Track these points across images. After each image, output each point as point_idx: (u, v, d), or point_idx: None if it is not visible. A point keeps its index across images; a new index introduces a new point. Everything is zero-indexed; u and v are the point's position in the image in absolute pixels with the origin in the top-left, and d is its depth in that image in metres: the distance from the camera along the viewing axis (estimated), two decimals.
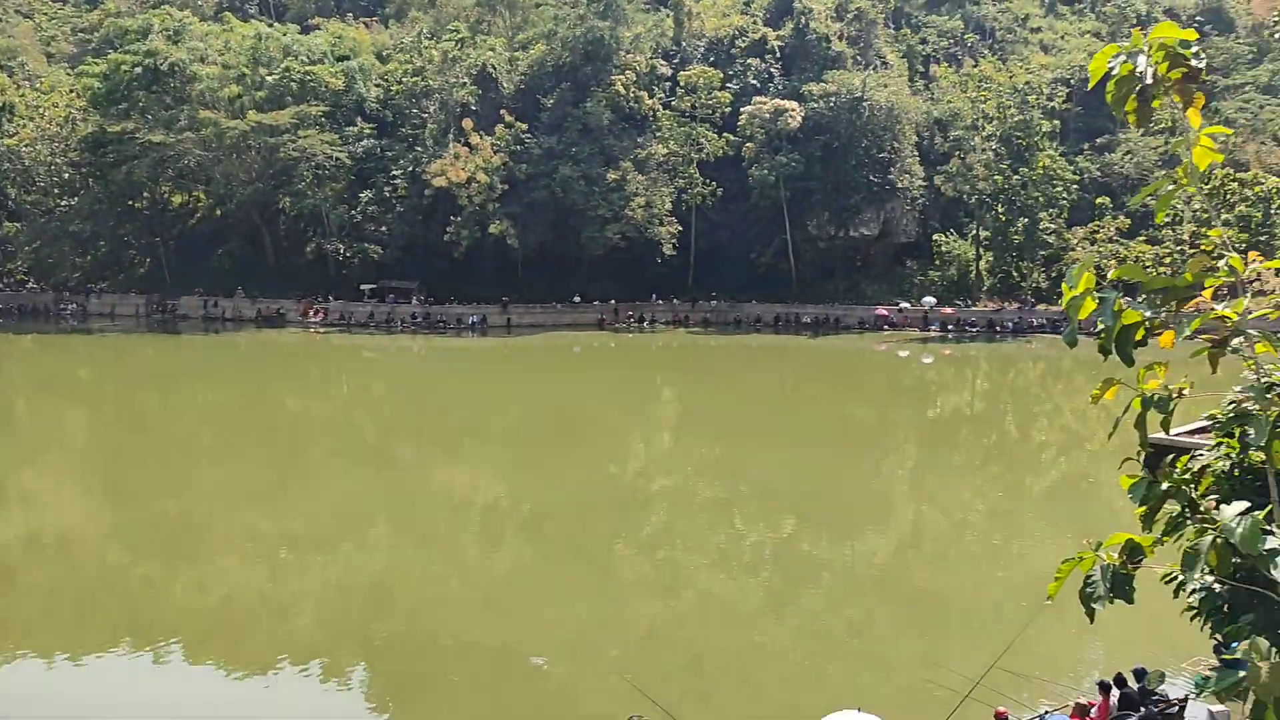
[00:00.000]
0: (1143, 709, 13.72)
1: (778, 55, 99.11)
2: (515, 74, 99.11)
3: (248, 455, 43.17)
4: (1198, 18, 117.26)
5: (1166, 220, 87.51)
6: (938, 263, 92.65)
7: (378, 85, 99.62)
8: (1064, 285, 8.85)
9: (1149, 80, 9.29)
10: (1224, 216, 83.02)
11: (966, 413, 59.74)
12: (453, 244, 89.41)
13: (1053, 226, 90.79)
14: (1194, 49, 9.25)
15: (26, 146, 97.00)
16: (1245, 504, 8.08)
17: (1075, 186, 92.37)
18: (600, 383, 66.86)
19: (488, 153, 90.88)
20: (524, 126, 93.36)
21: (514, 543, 31.60)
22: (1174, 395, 8.56)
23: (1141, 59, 9.32)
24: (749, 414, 55.18)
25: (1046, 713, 14.31)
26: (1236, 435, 8.66)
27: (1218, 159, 9.27)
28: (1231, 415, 8.92)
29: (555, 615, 24.20)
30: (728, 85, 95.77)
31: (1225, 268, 8.56)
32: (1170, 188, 9.31)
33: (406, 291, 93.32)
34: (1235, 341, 8.34)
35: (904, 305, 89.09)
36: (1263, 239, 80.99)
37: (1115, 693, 13.49)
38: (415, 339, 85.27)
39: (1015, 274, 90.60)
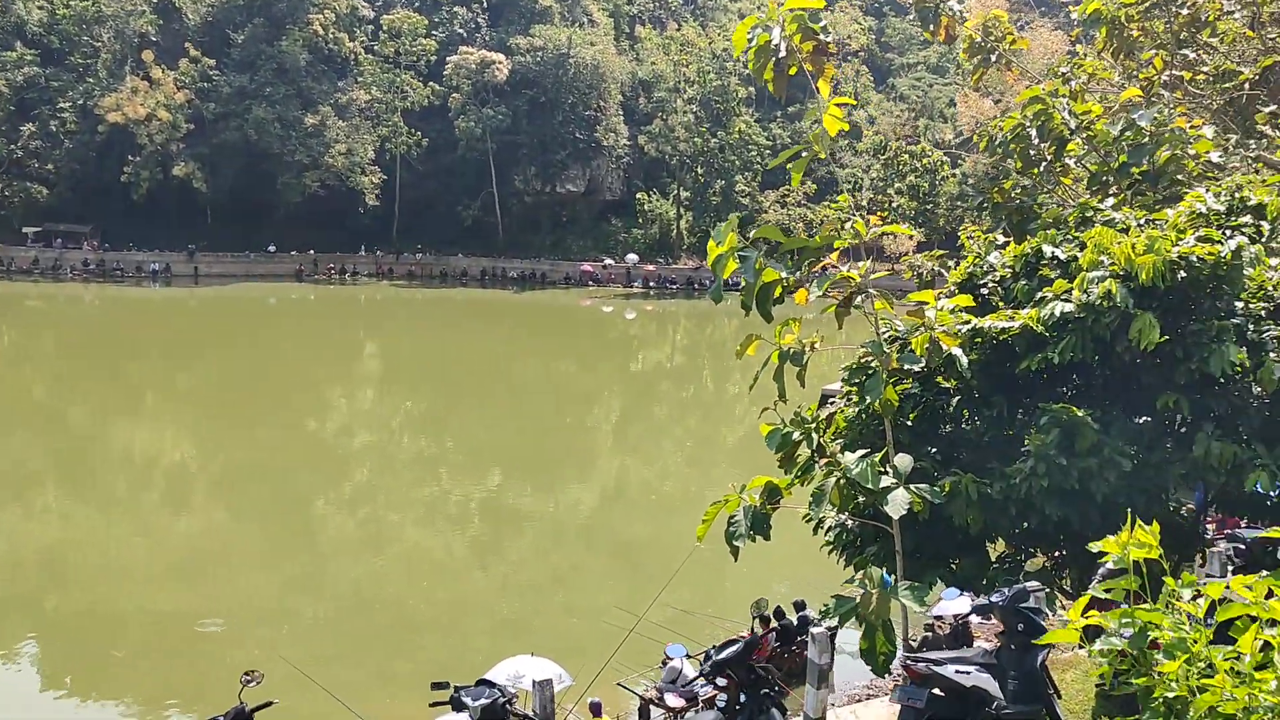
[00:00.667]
0: (799, 638, 14.86)
1: (484, 6, 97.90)
2: (201, 5, 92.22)
3: None
4: None
5: (848, 186, 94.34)
6: (641, 221, 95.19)
7: (41, 8, 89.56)
8: (710, 244, 9.39)
9: (783, 52, 9.94)
10: (896, 185, 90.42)
11: (667, 367, 62.00)
12: (131, 186, 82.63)
13: (748, 189, 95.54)
14: (823, 23, 9.97)
15: None
16: (867, 449, 8.97)
17: (768, 151, 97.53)
18: (298, 336, 64.15)
19: (171, 89, 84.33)
20: (211, 63, 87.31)
21: (205, 505, 29.87)
22: (807, 349, 9.33)
23: (776, 31, 9.94)
24: (455, 369, 54.75)
25: (714, 647, 15.25)
26: (860, 385, 9.55)
27: (844, 127, 10.07)
28: (856, 367, 9.85)
29: (251, 580, 23.14)
30: (433, 33, 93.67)
31: (851, 231, 9.43)
32: (804, 154, 10.05)
33: (77, 236, 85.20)
34: (859, 300, 9.22)
35: (608, 262, 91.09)
36: (929, 206, 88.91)
37: (775, 625, 14.56)
38: (88, 288, 78.25)
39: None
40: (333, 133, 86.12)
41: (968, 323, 9.27)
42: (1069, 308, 8.78)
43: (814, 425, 9.14)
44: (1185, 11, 12.91)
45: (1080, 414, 8.52)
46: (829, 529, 10.41)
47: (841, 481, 8.53)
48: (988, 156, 12.45)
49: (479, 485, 32.29)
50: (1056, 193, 12.24)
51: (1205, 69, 15.31)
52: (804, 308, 9.29)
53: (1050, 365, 8.96)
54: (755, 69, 9.62)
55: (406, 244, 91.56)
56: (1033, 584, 7.68)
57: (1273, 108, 16.74)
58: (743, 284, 9.05)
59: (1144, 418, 9.37)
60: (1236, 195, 9.58)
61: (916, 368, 8.68)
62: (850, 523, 10.17)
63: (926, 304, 8.80)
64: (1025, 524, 9.25)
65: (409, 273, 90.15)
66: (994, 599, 7.35)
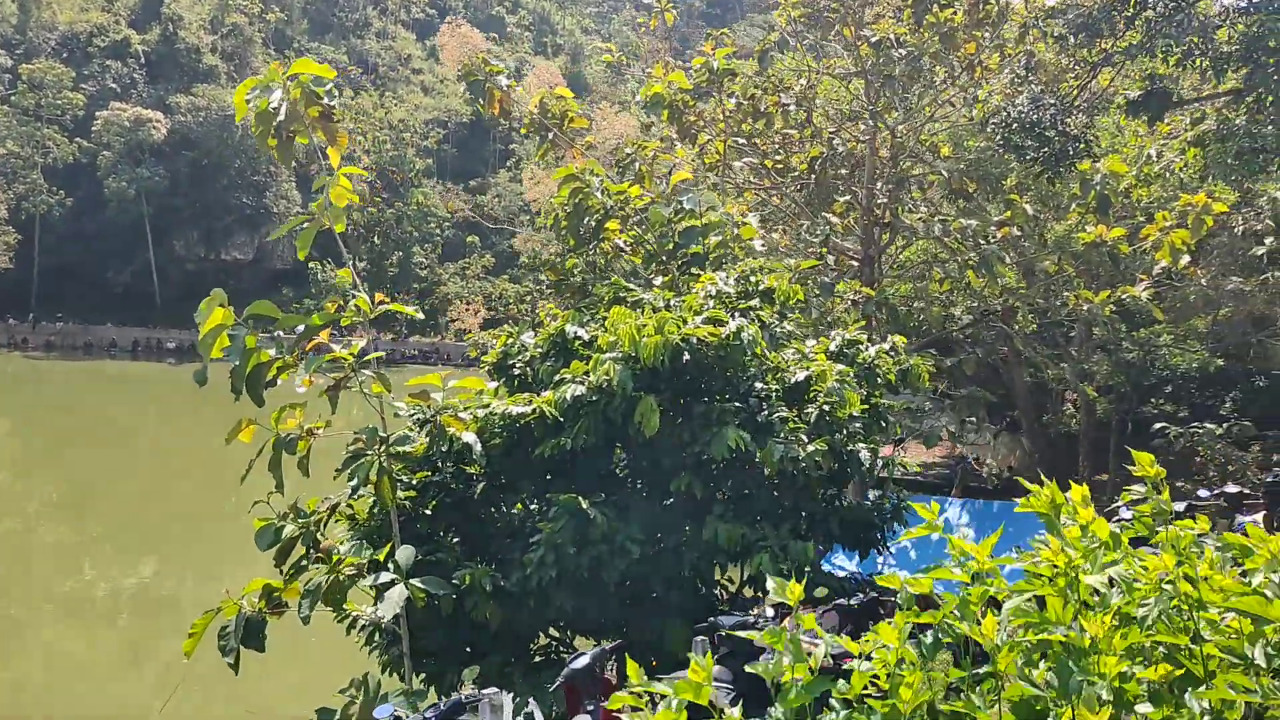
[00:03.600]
0: None
1: (142, 61, 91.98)
2: None
3: None
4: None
5: (527, 259, 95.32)
6: (315, 291, 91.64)
7: None
8: (196, 320, 8.48)
9: (282, 116, 9.27)
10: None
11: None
12: None
13: (426, 261, 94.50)
14: (329, 87, 9.41)
15: None
16: (359, 542, 8.33)
17: (448, 224, 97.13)
18: None
19: None
20: None
21: None
22: (305, 435, 8.60)
23: (277, 94, 9.26)
24: (102, 448, 49.71)
25: None
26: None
27: (354, 199, 9.52)
28: (350, 455, 9.19)
29: None
30: (82, 86, 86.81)
31: (353, 308, 8.85)
32: (306, 225, 9.38)
33: None
34: (360, 380, 8.64)
35: (278, 334, 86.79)
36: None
37: None
38: None
39: (457, 304, 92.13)
40: None
41: (487, 406, 8.88)
42: (581, 391, 8.56)
43: (313, 519, 8.37)
44: (733, 101, 13.47)
45: (586, 504, 8.25)
46: (361, 626, 9.61)
47: (337, 579, 7.82)
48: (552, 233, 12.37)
49: (130, 574, 29.26)
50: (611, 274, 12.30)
51: (779, 158, 16.13)
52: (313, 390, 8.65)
53: (569, 450, 8.67)
54: (258, 134, 8.94)
55: (46, 312, 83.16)
56: (491, 690, 7.21)
57: (847, 197, 17.99)
58: (233, 365, 8.29)
59: (670, 500, 9.28)
60: (751, 278, 9.82)
61: (406, 448, 8.15)
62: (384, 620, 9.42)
63: (433, 386, 8.34)
64: (546, 616, 8.87)
65: (47, 343, 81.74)
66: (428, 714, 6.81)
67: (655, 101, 12.95)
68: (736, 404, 8.82)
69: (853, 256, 16.71)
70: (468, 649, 9.56)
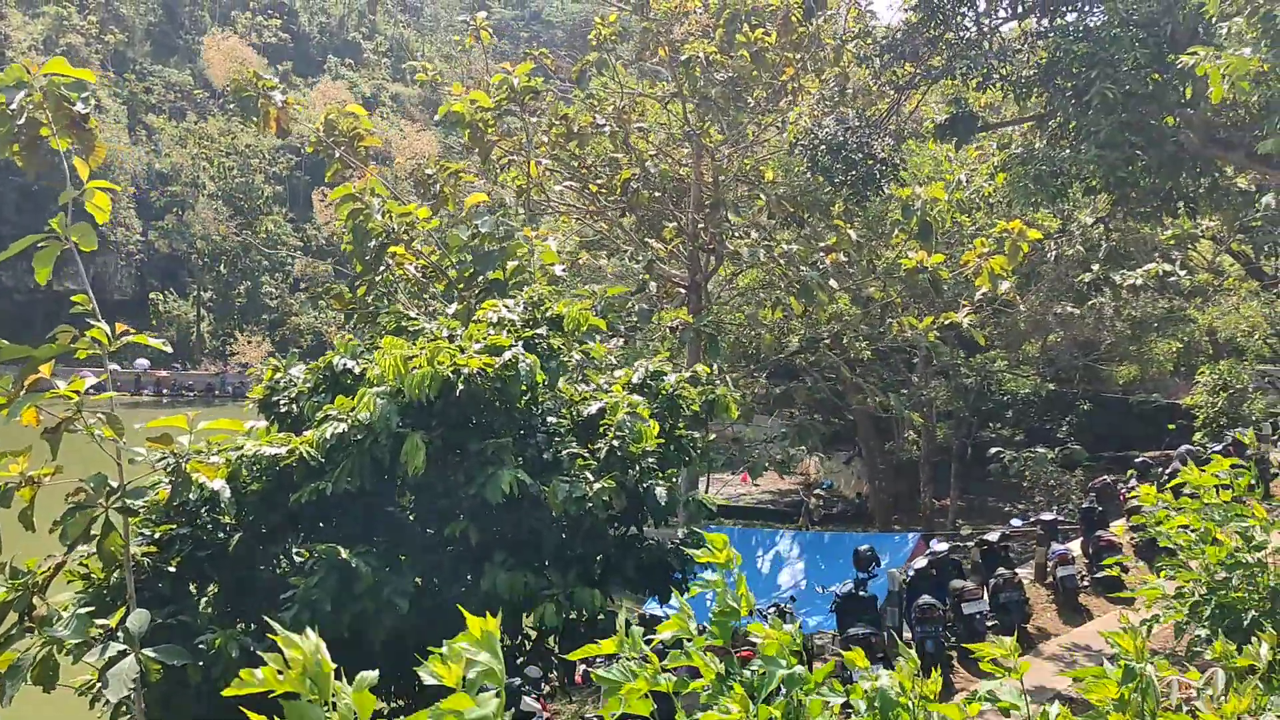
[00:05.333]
0: None
1: None
2: None
3: None
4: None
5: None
6: (155, 323, 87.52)
7: None
8: None
9: (22, 120, 8.23)
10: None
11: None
12: None
13: (277, 291, 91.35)
14: (87, 93, 8.41)
15: None
16: (90, 609, 7.36)
17: (300, 252, 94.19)
18: None
19: None
20: None
21: None
22: (25, 484, 7.55)
23: (18, 96, 8.21)
24: None
25: None
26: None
27: (106, 217, 8.59)
28: (71, 508, 8.11)
29: None
30: None
31: (89, 340, 7.86)
32: (42, 246, 8.36)
33: None
34: (91, 421, 7.66)
35: (115, 367, 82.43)
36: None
37: None
38: None
39: (239, 337, 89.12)
40: None
41: (240, 448, 7.99)
42: (343, 429, 7.75)
43: (30, 580, 7.31)
44: (535, 119, 12.91)
45: (348, 554, 7.42)
46: (106, 702, 8.53)
47: (48, 654, 6.83)
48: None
49: None
50: (409, 301, 11.54)
51: (601, 182, 15.63)
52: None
53: (333, 495, 7.84)
54: None
55: None
56: None
57: (676, 223, 17.59)
58: None
59: (451, 547, 8.53)
60: (540, 305, 9.19)
61: (140, 503, 7.19)
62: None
63: (177, 428, 7.44)
64: None
65: None
66: None
67: (454, 120, 12.28)
68: (524, 439, 8.16)
69: (679, 283, 16.32)
70: None
